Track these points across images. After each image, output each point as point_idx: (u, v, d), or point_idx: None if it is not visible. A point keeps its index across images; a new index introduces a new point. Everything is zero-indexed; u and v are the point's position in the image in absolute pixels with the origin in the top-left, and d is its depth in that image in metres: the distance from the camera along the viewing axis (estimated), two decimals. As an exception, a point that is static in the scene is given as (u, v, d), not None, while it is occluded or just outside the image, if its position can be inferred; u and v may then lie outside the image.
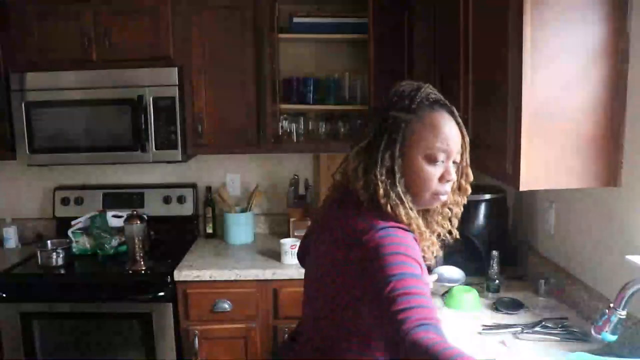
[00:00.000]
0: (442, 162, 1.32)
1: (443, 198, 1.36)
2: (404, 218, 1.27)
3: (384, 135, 1.29)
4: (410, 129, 1.29)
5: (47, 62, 2.84)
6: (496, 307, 2.04)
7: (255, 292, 2.71)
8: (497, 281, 2.19)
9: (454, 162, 1.35)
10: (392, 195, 1.27)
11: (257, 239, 3.22)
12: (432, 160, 1.30)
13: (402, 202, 1.27)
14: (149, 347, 2.70)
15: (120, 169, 3.26)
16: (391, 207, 1.27)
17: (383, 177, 1.28)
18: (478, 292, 2.15)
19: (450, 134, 1.32)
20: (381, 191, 1.27)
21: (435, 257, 1.40)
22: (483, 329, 1.88)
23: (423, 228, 1.32)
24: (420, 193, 1.32)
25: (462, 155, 1.38)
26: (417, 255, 1.21)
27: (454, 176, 1.35)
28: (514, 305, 2.04)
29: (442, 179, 1.32)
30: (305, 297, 1.49)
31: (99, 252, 2.99)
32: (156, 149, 2.83)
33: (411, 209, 1.29)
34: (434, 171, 1.31)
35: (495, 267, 2.19)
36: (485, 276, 2.23)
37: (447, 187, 1.35)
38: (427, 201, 1.34)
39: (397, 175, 1.28)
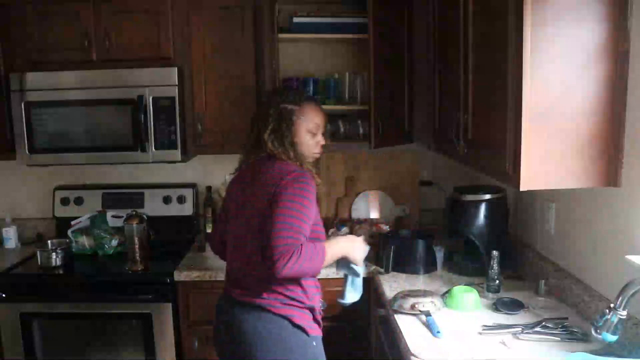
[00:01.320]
0: (316, 133, 2.07)
1: (317, 156, 2.13)
2: (305, 166, 1.99)
3: (282, 122, 1.99)
4: (296, 116, 2.00)
5: (47, 62, 2.84)
6: (496, 307, 2.05)
7: (255, 292, 2.71)
8: (497, 281, 2.19)
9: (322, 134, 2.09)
10: (298, 155, 2.00)
11: (257, 239, 3.21)
12: (312, 133, 2.06)
13: (303, 158, 2.02)
14: (149, 347, 2.70)
15: (120, 169, 3.26)
16: (300, 162, 1.98)
17: (288, 146, 1.99)
18: (478, 292, 2.15)
19: (321, 116, 2.08)
20: (291, 154, 1.98)
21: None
22: (483, 329, 1.88)
23: (313, 170, 2.02)
24: (307, 154, 2.06)
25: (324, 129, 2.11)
26: (313, 197, 1.91)
27: (323, 141, 2.10)
28: (515, 305, 2.04)
29: (317, 145, 2.09)
30: (230, 254, 2.07)
31: (99, 252, 2.99)
32: (156, 149, 2.83)
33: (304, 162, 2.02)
34: (314, 141, 2.08)
35: (495, 267, 2.19)
36: (485, 276, 2.23)
37: (319, 149, 2.11)
38: (310, 158, 2.09)
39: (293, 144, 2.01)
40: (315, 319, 1.99)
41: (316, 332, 1.98)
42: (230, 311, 1.97)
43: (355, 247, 2.04)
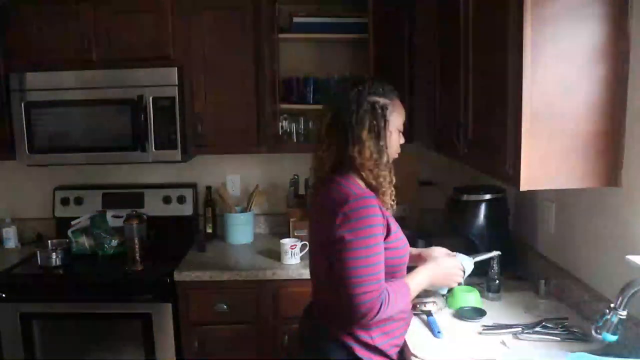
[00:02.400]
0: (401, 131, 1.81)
1: (396, 156, 1.82)
2: (386, 182, 1.71)
3: (375, 117, 1.70)
4: (389, 111, 1.73)
5: (47, 62, 2.84)
6: (460, 315, 2.02)
7: (255, 292, 2.71)
8: (497, 281, 2.19)
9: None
10: (386, 164, 1.72)
11: (257, 239, 3.22)
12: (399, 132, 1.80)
13: (389, 167, 1.74)
14: (149, 347, 2.70)
15: (120, 169, 3.26)
16: (382, 174, 1.70)
17: (383, 147, 1.71)
18: (479, 292, 2.15)
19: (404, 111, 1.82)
20: (384, 160, 1.70)
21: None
22: (483, 329, 1.88)
23: (393, 185, 1.74)
24: (392, 155, 1.79)
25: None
26: (380, 221, 1.64)
27: (403, 140, 1.83)
28: (476, 314, 2.01)
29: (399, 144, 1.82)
30: (310, 268, 1.89)
31: (99, 252, 2.99)
32: (156, 149, 2.83)
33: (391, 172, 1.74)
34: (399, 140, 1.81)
35: (495, 267, 2.19)
36: (485, 276, 2.22)
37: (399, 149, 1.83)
38: (391, 158, 1.78)
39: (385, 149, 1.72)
40: (385, 355, 1.74)
41: None
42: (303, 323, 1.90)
43: (443, 276, 1.84)
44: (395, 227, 1.73)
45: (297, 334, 1.94)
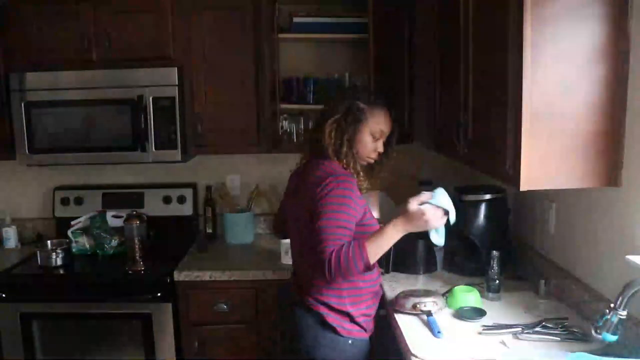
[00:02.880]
0: (378, 139, 2.04)
1: (371, 161, 2.08)
2: (351, 168, 1.98)
3: (348, 115, 1.97)
4: (364, 115, 1.99)
5: (47, 62, 2.84)
6: (460, 315, 2.02)
7: (255, 292, 2.71)
8: (497, 281, 2.19)
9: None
10: (350, 153, 1.99)
11: (257, 239, 3.22)
12: (374, 137, 2.03)
13: (354, 159, 2.00)
14: (149, 347, 2.70)
15: (120, 169, 3.26)
16: (347, 162, 1.98)
17: (345, 141, 1.98)
18: (479, 292, 2.15)
19: (388, 125, 2.05)
20: (343, 150, 1.97)
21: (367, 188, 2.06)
22: (483, 329, 1.88)
23: (361, 173, 2.01)
24: (362, 155, 2.04)
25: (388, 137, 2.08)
26: (355, 196, 1.90)
27: (381, 149, 2.07)
28: (476, 314, 2.01)
29: (375, 150, 2.05)
30: (291, 246, 2.19)
31: (99, 252, 2.99)
32: (156, 149, 2.83)
33: (356, 163, 2.00)
34: (374, 145, 2.05)
35: (495, 267, 2.19)
36: (485, 276, 2.22)
37: (375, 155, 2.07)
38: (364, 160, 2.06)
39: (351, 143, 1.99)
40: (354, 322, 2.00)
41: (354, 333, 2.00)
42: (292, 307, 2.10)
43: (414, 220, 1.86)
44: (369, 210, 2.00)
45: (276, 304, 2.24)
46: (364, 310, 2.03)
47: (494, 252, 2.21)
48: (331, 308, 1.97)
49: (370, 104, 2.01)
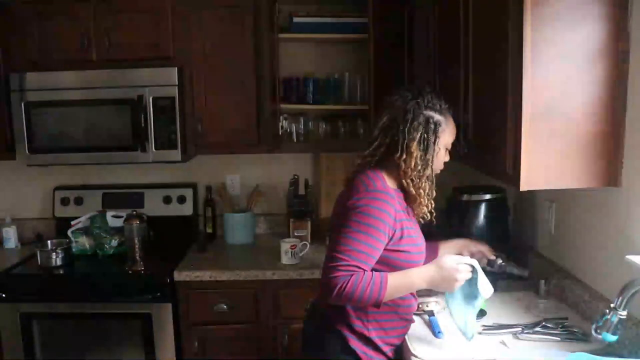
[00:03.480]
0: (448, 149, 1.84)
1: (438, 171, 1.84)
2: (426, 195, 1.77)
3: (427, 131, 1.74)
4: (442, 128, 1.77)
5: (47, 62, 2.84)
6: None
7: (255, 292, 2.71)
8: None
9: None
10: (428, 179, 1.77)
11: (257, 239, 3.22)
12: (447, 150, 1.84)
13: (431, 183, 1.78)
14: (149, 347, 2.70)
15: (120, 169, 3.26)
16: (423, 188, 1.76)
17: (429, 159, 1.75)
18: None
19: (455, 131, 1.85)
20: (427, 173, 1.75)
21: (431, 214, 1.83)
22: (483, 329, 1.88)
23: (432, 197, 1.79)
24: (436, 169, 1.81)
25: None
26: (386, 217, 1.68)
27: (448, 158, 1.86)
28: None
29: (443, 162, 1.85)
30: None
31: (99, 252, 2.99)
32: (156, 149, 2.83)
33: (432, 188, 1.79)
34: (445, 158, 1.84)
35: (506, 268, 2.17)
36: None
37: (443, 167, 1.86)
38: (434, 172, 1.80)
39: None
40: (379, 350, 1.79)
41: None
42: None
43: (444, 277, 1.69)
44: (415, 232, 1.79)
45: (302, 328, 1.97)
46: (391, 340, 1.81)
47: (500, 255, 2.19)
48: (354, 331, 1.76)
49: (443, 113, 1.78)
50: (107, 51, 2.84)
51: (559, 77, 1.64)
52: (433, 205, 1.80)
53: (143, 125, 2.79)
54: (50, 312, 2.72)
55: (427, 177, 1.75)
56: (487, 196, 2.43)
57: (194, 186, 3.28)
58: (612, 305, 1.48)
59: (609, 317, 1.48)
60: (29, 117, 2.83)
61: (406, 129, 1.73)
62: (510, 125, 1.71)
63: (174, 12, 2.84)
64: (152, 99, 2.79)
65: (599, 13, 1.63)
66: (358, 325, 1.76)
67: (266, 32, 2.88)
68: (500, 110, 1.76)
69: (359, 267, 1.63)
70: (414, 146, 1.72)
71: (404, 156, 1.73)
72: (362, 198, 1.69)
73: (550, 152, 1.66)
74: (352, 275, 1.61)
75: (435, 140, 1.75)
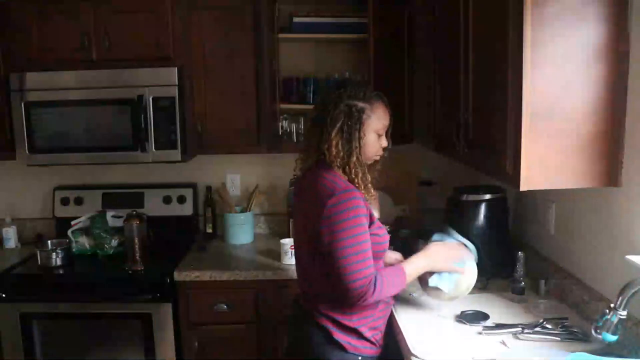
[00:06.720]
0: (381, 135, 1.92)
1: (377, 158, 1.96)
2: (360, 180, 1.83)
3: (350, 119, 1.82)
4: (366, 115, 1.85)
5: (46, 61, 2.84)
6: (461, 320, 1.99)
7: (255, 292, 2.71)
8: (522, 283, 2.17)
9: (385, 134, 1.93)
10: (357, 165, 1.84)
11: (257, 239, 3.22)
12: (378, 135, 1.91)
13: (362, 169, 1.85)
14: (149, 347, 2.70)
15: (120, 169, 3.26)
16: (355, 173, 1.83)
17: (355, 146, 1.83)
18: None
19: (388, 117, 1.93)
20: (353, 160, 1.82)
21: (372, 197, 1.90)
22: (483, 329, 1.88)
23: (370, 185, 1.87)
24: (370, 155, 1.91)
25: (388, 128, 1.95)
26: (364, 212, 1.77)
27: (385, 143, 1.94)
28: (478, 318, 1.99)
29: (380, 146, 1.93)
30: (295, 258, 2.02)
31: (99, 252, 2.99)
32: (156, 149, 2.83)
33: (365, 174, 1.86)
34: (379, 143, 1.92)
35: (520, 269, 2.17)
36: (485, 276, 2.22)
37: (381, 151, 1.95)
38: (371, 160, 1.93)
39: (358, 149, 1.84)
40: (363, 337, 1.87)
41: (363, 350, 1.87)
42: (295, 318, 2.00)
43: (443, 254, 1.98)
44: (375, 217, 1.88)
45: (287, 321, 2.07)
46: (372, 324, 1.89)
47: (520, 254, 2.20)
48: (338, 324, 1.84)
49: (367, 100, 1.87)
50: (107, 51, 2.84)
51: (559, 77, 1.64)
52: (371, 192, 1.88)
53: (143, 125, 2.79)
54: (50, 312, 2.72)
55: (354, 163, 1.82)
56: (487, 196, 2.44)
57: (194, 186, 3.28)
58: (612, 305, 1.48)
59: (609, 317, 1.48)
60: (28, 117, 2.83)
61: (328, 119, 1.82)
62: (510, 125, 1.71)
63: (173, 12, 2.84)
64: (152, 99, 2.79)
65: (599, 13, 1.63)
66: (340, 318, 1.84)
67: (266, 32, 2.88)
68: (500, 110, 1.76)
69: (371, 269, 1.74)
70: (334, 134, 1.81)
71: (326, 145, 1.82)
72: (337, 204, 1.74)
73: (550, 152, 1.66)
74: (373, 279, 1.73)
75: (359, 127, 1.82)
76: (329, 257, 1.75)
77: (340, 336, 1.84)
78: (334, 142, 1.82)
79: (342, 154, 1.82)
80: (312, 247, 1.83)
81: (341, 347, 1.84)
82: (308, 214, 1.85)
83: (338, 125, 1.82)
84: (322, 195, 1.78)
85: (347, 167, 1.83)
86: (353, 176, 1.83)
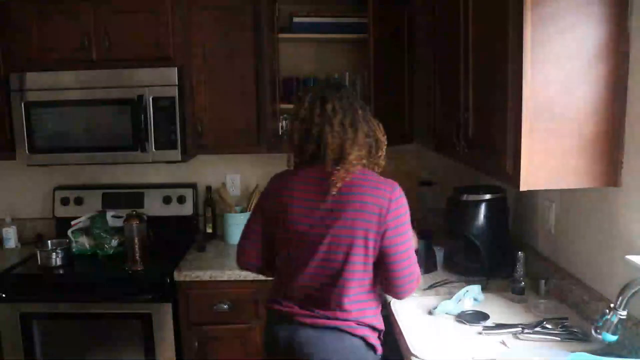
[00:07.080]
0: None
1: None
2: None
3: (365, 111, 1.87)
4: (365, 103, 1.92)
5: (47, 61, 2.84)
6: (461, 320, 1.99)
7: (255, 292, 2.71)
8: (522, 283, 2.17)
9: None
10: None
11: (257, 239, 3.21)
12: None
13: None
14: (148, 347, 2.70)
15: (120, 169, 3.26)
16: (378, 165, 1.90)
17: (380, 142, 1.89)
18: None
19: None
20: (380, 152, 1.89)
21: None
22: (483, 329, 1.88)
23: None
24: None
25: None
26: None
27: None
28: (478, 318, 1.99)
29: None
30: (295, 271, 1.86)
31: (99, 252, 2.99)
32: (156, 149, 2.83)
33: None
34: None
35: (520, 269, 2.18)
36: (486, 276, 2.22)
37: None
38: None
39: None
40: (379, 338, 1.90)
41: (380, 350, 1.90)
42: (299, 332, 1.82)
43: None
44: None
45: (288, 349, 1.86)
46: (380, 308, 1.94)
47: (520, 254, 2.20)
48: (373, 328, 1.85)
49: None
50: (107, 51, 2.84)
51: (559, 77, 1.64)
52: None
53: (143, 125, 2.79)
54: (50, 312, 2.72)
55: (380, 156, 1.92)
56: (487, 196, 2.44)
57: (194, 186, 3.28)
58: (612, 305, 1.48)
59: (609, 317, 1.48)
60: (28, 117, 2.83)
61: (347, 118, 1.82)
62: (510, 125, 1.71)
63: (173, 12, 2.84)
64: (152, 99, 2.79)
65: (599, 13, 1.63)
66: (375, 323, 1.86)
67: (266, 32, 2.88)
68: (500, 110, 1.76)
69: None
70: (366, 130, 1.86)
71: (360, 143, 1.83)
72: (398, 197, 1.83)
73: (550, 152, 1.66)
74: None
75: (369, 116, 1.90)
76: (393, 251, 1.78)
77: (374, 340, 1.85)
78: (360, 137, 1.83)
79: (374, 146, 1.88)
80: (366, 247, 1.76)
81: (374, 350, 1.86)
82: (364, 214, 1.76)
83: (360, 117, 1.84)
84: (382, 193, 1.79)
85: (376, 157, 1.89)
86: (378, 168, 1.92)
